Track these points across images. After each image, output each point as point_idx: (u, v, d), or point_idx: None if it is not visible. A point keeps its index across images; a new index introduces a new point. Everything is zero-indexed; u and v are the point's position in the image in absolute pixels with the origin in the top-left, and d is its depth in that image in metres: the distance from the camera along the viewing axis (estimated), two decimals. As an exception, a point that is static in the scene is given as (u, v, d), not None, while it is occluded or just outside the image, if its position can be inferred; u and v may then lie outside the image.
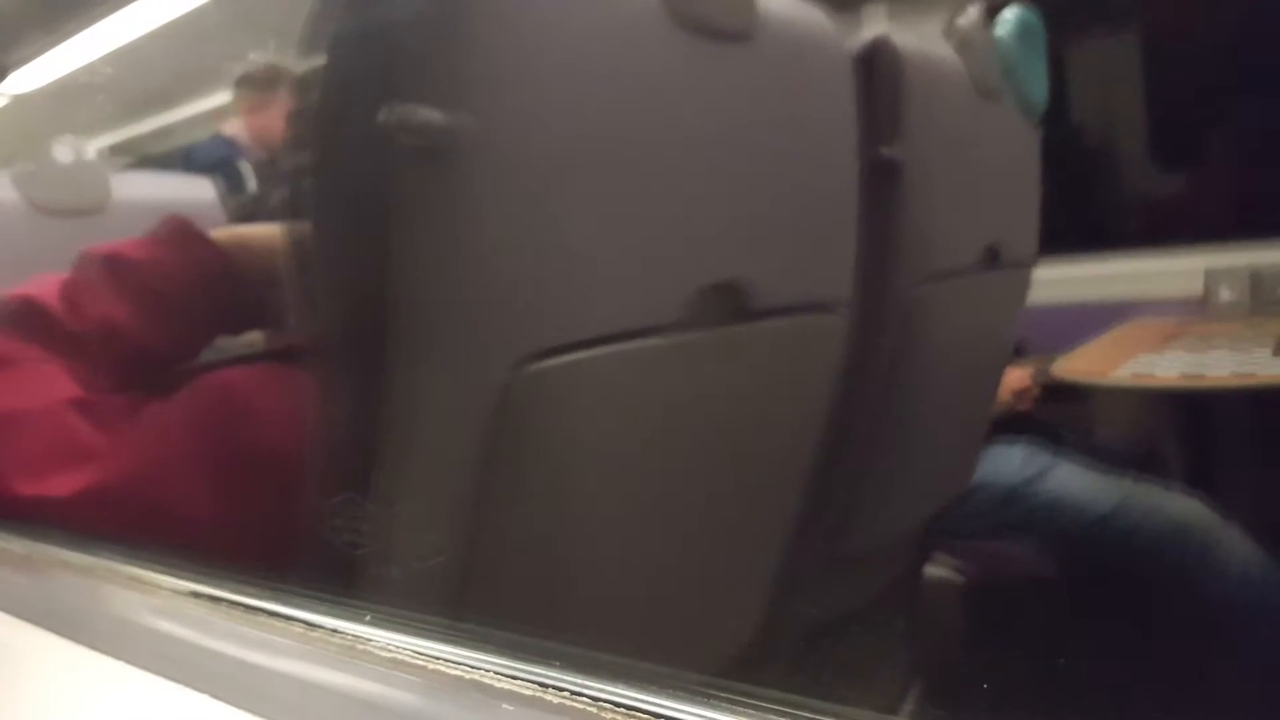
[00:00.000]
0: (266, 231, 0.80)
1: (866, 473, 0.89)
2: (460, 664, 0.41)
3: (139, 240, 0.79)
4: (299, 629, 0.48)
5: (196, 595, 0.54)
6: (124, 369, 0.75)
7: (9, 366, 0.72)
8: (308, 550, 0.59)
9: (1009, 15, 0.90)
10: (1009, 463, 1.18)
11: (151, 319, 0.76)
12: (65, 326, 0.74)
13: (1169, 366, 1.03)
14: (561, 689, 0.38)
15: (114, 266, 0.76)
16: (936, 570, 1.15)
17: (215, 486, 0.65)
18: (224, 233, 0.81)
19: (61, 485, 0.65)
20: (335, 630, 0.46)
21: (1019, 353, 1.18)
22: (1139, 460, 1.15)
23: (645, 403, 0.61)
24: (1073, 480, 1.16)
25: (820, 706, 0.36)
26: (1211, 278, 1.07)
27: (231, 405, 0.67)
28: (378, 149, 0.52)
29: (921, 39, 0.83)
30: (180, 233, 0.79)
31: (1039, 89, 0.91)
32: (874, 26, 0.79)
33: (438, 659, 0.42)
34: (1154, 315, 1.13)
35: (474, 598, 0.56)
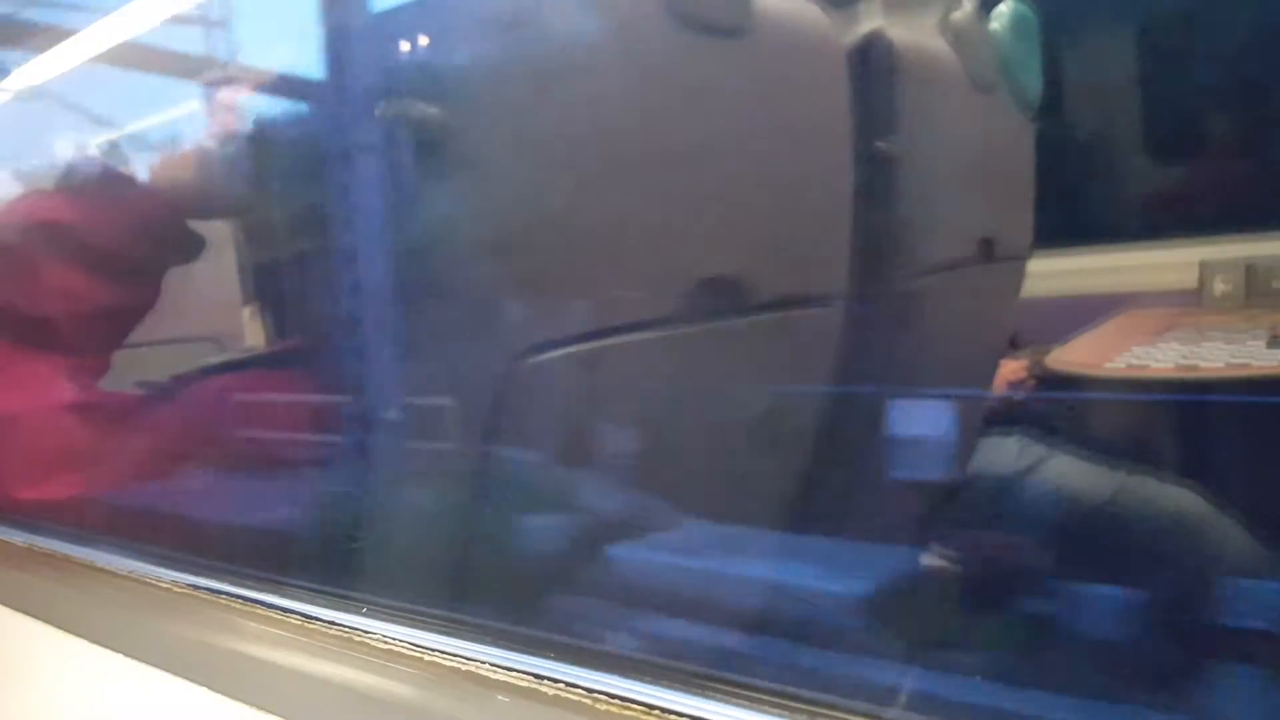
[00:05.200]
0: (175, 160, 0.78)
1: (861, 464, 0.89)
2: (456, 655, 0.41)
3: (58, 199, 0.75)
4: (296, 621, 0.48)
5: (196, 589, 0.54)
6: (97, 334, 0.74)
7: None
8: (306, 546, 0.60)
9: (1003, 9, 0.90)
10: (1004, 454, 1.18)
11: (106, 276, 0.73)
12: (27, 313, 0.72)
13: (1163, 358, 1.03)
14: (556, 680, 0.38)
15: (50, 234, 0.73)
16: (931, 560, 1.16)
17: (211, 485, 0.65)
18: (136, 167, 0.78)
19: (60, 488, 0.65)
20: (333, 622, 0.47)
21: (1014, 345, 1.18)
22: (1133, 451, 1.15)
23: (640, 395, 0.61)
24: (1068, 471, 1.17)
25: (812, 698, 0.36)
26: (1206, 270, 1.07)
27: (227, 407, 0.67)
28: (374, 145, 0.53)
29: (917, 33, 0.83)
30: (100, 178, 0.76)
31: (1033, 82, 0.91)
32: (869, 21, 0.79)
33: (434, 651, 0.42)
34: (1149, 307, 1.14)
35: (471, 587, 0.57)
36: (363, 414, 0.58)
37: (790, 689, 0.37)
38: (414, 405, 0.57)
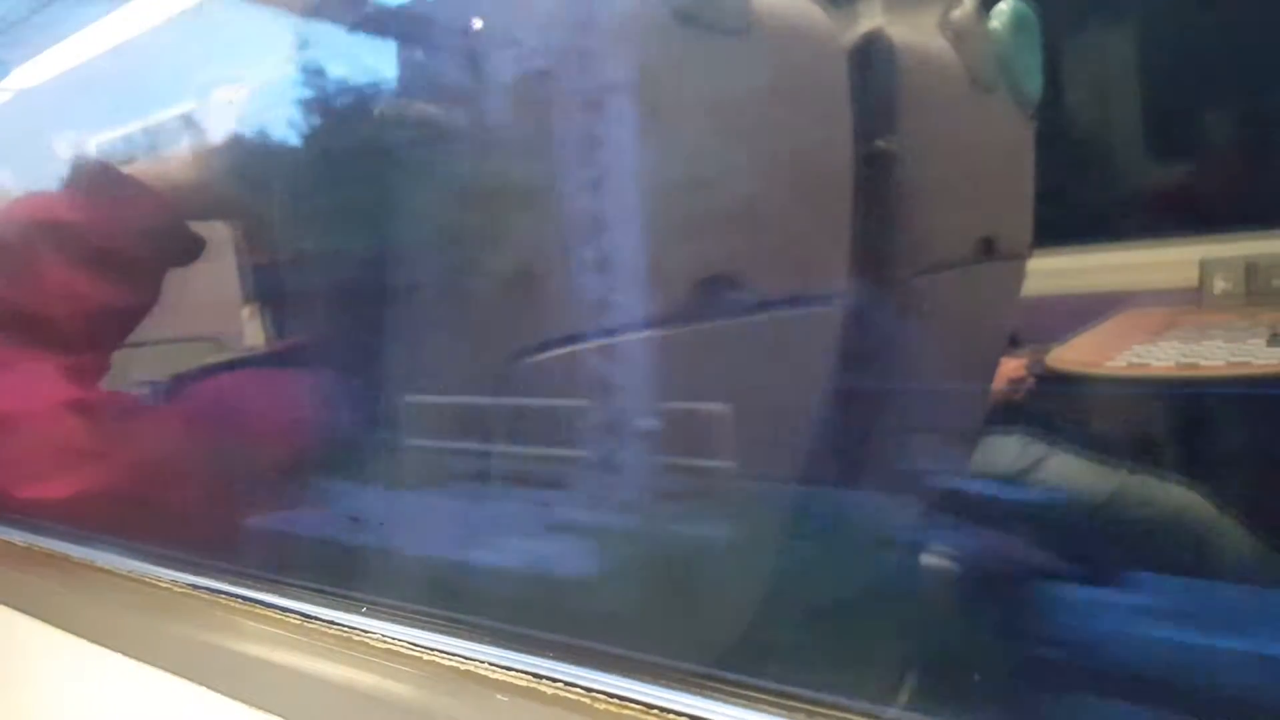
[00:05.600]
0: (177, 162, 0.77)
1: (862, 463, 0.89)
2: (455, 655, 0.41)
3: (61, 198, 0.75)
4: (295, 621, 0.48)
5: (195, 588, 0.54)
6: (97, 334, 0.73)
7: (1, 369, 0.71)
8: (303, 542, 0.59)
9: (1004, 7, 0.90)
10: (1004, 453, 1.18)
11: (107, 276, 0.72)
12: (27, 310, 0.71)
13: (1164, 356, 1.03)
14: (555, 679, 0.38)
15: (52, 234, 0.72)
16: (931, 559, 1.15)
17: (209, 483, 0.65)
18: (137, 168, 0.76)
19: (59, 487, 0.65)
20: (332, 622, 0.47)
21: (1014, 343, 1.18)
22: (1134, 450, 1.15)
23: (642, 393, 0.61)
24: (1068, 470, 1.16)
25: (812, 697, 0.36)
26: (1206, 268, 1.07)
27: (224, 406, 0.67)
28: (374, 145, 0.53)
29: (917, 31, 0.83)
30: (103, 178, 0.75)
31: (1034, 81, 0.91)
32: (869, 19, 0.79)
33: (433, 650, 0.42)
34: (1149, 306, 1.14)
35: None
36: (611, 422, 0.50)
37: (789, 688, 0.37)
38: (673, 411, 0.50)
